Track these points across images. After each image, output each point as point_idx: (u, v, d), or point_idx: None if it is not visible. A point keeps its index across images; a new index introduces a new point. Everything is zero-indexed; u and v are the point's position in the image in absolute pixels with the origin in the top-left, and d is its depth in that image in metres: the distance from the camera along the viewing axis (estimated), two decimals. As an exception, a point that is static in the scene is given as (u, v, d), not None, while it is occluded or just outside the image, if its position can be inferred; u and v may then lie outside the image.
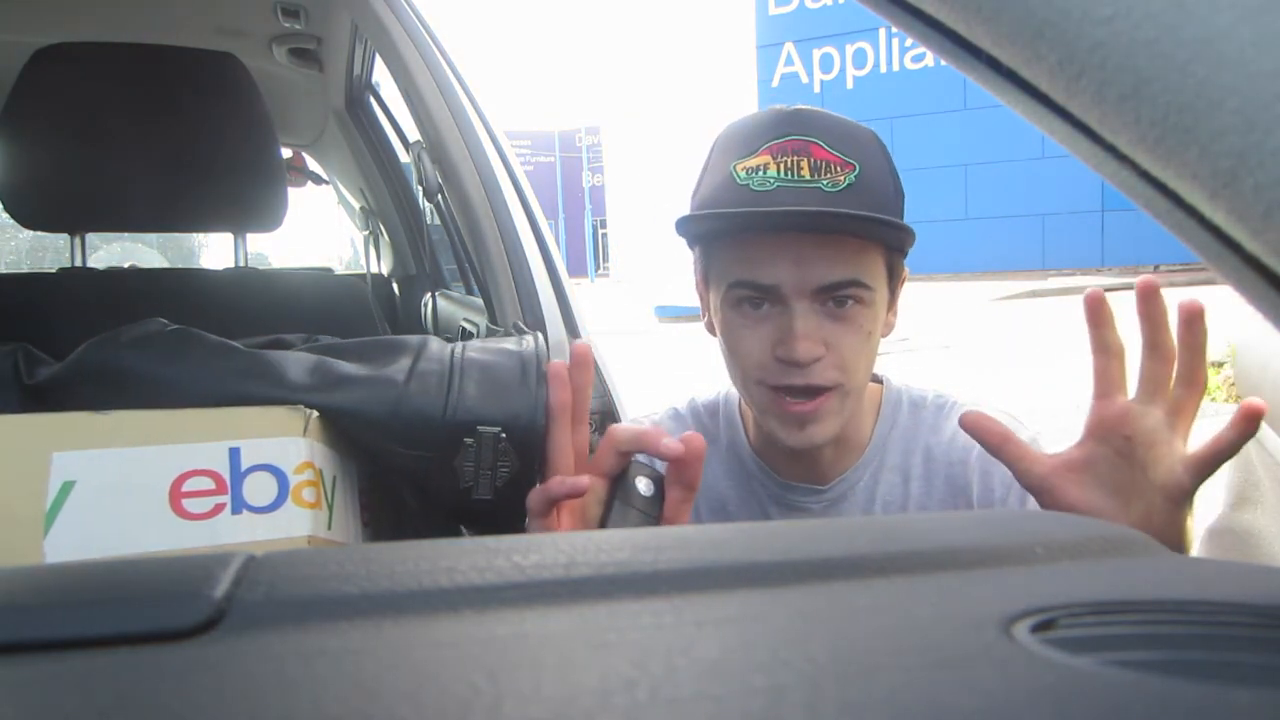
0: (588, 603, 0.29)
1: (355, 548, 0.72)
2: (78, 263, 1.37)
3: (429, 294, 1.84)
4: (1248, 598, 0.29)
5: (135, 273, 2.02)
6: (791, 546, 0.35)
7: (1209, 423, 0.64)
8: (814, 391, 0.87)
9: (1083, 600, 0.28)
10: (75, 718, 0.22)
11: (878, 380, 1.01)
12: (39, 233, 1.47)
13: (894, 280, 0.92)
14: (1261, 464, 0.77)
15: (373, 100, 2.18)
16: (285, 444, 0.72)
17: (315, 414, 0.75)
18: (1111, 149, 0.27)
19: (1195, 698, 0.22)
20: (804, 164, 0.82)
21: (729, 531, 0.37)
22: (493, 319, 1.43)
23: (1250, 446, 0.80)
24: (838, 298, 0.85)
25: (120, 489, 0.68)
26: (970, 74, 0.30)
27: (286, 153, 2.45)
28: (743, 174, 0.84)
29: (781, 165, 0.83)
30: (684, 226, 0.90)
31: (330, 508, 0.74)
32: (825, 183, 0.82)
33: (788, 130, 0.84)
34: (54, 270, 1.41)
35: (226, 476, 0.70)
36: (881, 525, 0.41)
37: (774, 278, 0.85)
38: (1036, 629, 0.26)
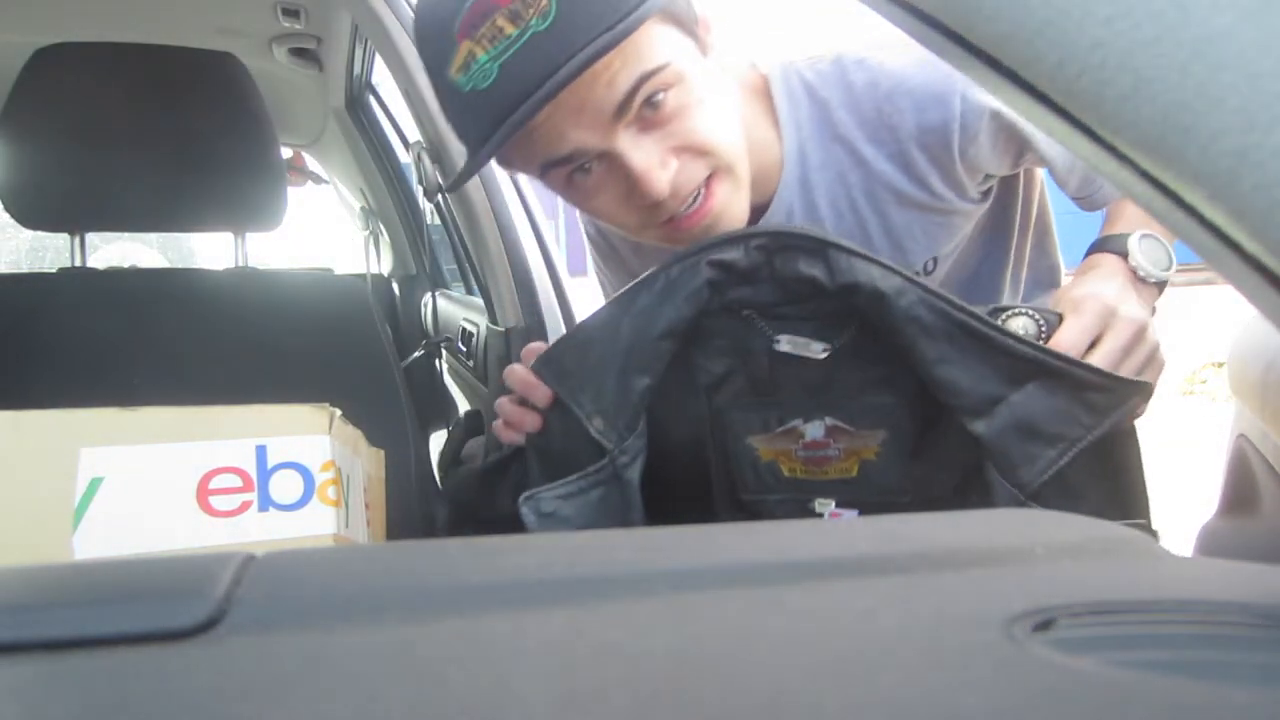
0: (588, 603, 0.29)
1: (355, 548, 0.72)
2: (78, 263, 1.37)
3: (429, 294, 1.84)
4: (1248, 598, 0.29)
5: (135, 273, 2.02)
6: (792, 546, 0.35)
7: (1211, 423, 0.64)
8: (698, 198, 0.75)
9: (1083, 600, 0.28)
10: (75, 718, 0.22)
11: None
12: (39, 233, 1.47)
13: (684, 17, 0.75)
14: (1257, 465, 0.77)
15: (373, 100, 2.18)
16: (311, 442, 0.73)
17: (338, 412, 0.75)
18: (1111, 149, 0.27)
19: (1195, 698, 0.22)
20: (501, 23, 0.67)
21: (729, 531, 0.37)
22: (493, 319, 1.43)
23: (1245, 446, 0.80)
24: (647, 103, 0.72)
25: (148, 485, 0.68)
26: (970, 74, 0.30)
27: (286, 153, 2.45)
28: (462, 79, 0.69)
29: (483, 43, 0.68)
30: (470, 168, 0.76)
31: (347, 506, 0.75)
32: (534, 20, 0.66)
33: None
34: (54, 270, 1.41)
35: (253, 474, 0.71)
36: (881, 525, 0.41)
37: (569, 143, 0.73)
38: (1036, 629, 0.26)
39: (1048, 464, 0.66)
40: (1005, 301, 0.95)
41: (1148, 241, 0.76)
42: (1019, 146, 0.81)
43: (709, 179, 0.76)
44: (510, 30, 0.67)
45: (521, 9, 0.66)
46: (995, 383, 0.66)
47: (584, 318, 0.81)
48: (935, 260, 0.88)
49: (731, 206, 0.77)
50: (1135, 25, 0.24)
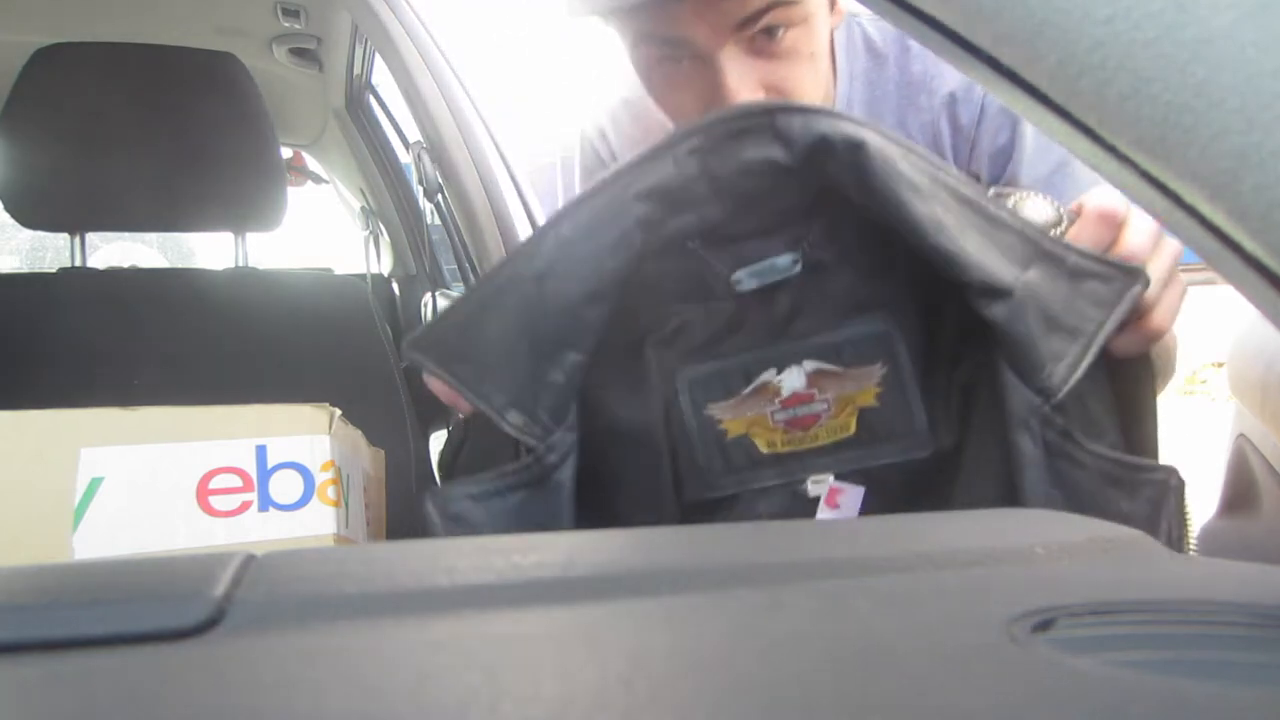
0: (587, 603, 0.29)
1: (355, 548, 0.72)
2: (78, 263, 1.37)
3: (429, 294, 1.84)
4: (1248, 598, 0.29)
5: (135, 273, 2.02)
6: (791, 546, 0.35)
7: (1212, 419, 0.64)
8: None
9: (1083, 600, 0.28)
10: (75, 718, 0.22)
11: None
12: (39, 233, 1.47)
13: None
14: (1257, 465, 0.77)
15: (373, 100, 2.18)
16: (311, 442, 0.73)
17: (338, 412, 0.75)
18: (1111, 149, 0.27)
19: (1195, 698, 0.22)
20: None
21: (729, 531, 0.37)
22: (493, 319, 1.42)
23: (1245, 446, 0.80)
24: (765, 29, 0.70)
25: (148, 485, 0.68)
26: (970, 74, 0.30)
27: (286, 153, 2.45)
28: None
29: None
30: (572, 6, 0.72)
31: (346, 506, 0.75)
32: None
33: None
34: (54, 270, 1.41)
35: (253, 474, 0.71)
36: (881, 525, 0.41)
37: (679, 29, 0.69)
38: (1036, 629, 0.26)
39: (1075, 360, 0.53)
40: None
41: None
42: (1005, 159, 0.81)
43: None
44: None
45: None
46: (999, 259, 0.53)
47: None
48: None
49: None
50: (1135, 25, 0.24)
